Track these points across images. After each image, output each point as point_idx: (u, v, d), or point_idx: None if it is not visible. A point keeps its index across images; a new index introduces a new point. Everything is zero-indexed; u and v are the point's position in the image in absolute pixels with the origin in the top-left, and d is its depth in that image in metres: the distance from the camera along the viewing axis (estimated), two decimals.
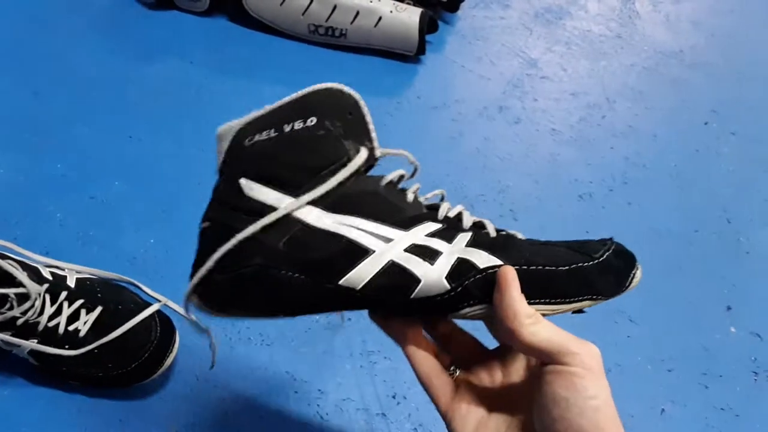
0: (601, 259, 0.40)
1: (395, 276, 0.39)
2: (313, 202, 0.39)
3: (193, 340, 0.64)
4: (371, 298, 0.40)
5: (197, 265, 0.41)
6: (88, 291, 0.60)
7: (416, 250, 0.39)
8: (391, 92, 0.91)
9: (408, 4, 0.95)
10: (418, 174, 0.45)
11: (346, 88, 0.40)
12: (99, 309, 0.59)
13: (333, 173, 0.39)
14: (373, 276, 0.39)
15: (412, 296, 0.39)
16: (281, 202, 0.39)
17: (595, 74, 0.99)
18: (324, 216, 0.39)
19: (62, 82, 0.85)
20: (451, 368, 0.44)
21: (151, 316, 0.60)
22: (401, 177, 0.43)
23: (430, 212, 0.42)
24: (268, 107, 0.40)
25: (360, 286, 0.39)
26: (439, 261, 0.39)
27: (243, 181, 0.40)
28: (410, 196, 0.42)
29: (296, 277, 0.39)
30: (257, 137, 0.40)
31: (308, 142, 0.39)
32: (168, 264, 0.69)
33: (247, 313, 0.41)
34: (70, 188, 0.74)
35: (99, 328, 0.58)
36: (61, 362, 0.57)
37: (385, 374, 0.63)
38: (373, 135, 0.41)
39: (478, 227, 0.42)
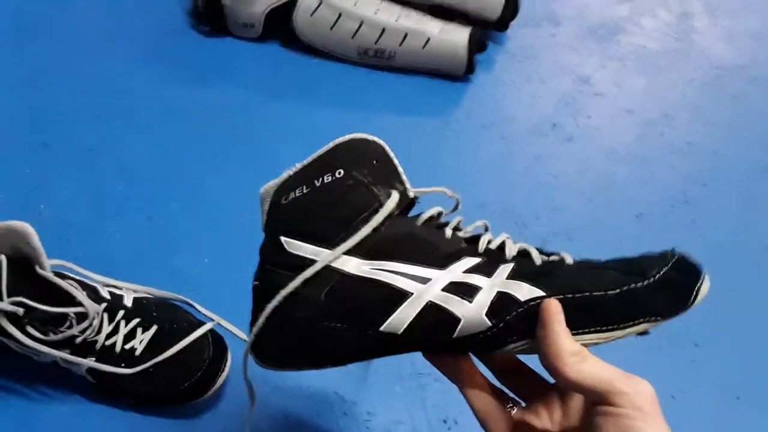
0: (656, 277, 0.38)
1: (435, 317, 0.38)
2: (350, 252, 0.40)
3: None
4: (415, 341, 0.40)
5: (252, 324, 0.42)
6: (144, 310, 0.61)
7: (454, 288, 0.39)
8: (440, 112, 0.91)
9: (457, 24, 0.95)
10: (460, 207, 0.44)
11: (370, 137, 0.41)
12: (154, 328, 0.60)
13: (366, 221, 0.40)
14: (413, 319, 0.39)
15: (455, 336, 0.39)
16: (319, 255, 0.40)
17: (651, 90, 0.97)
18: (362, 264, 0.40)
19: (121, 107, 0.88)
20: (509, 405, 0.43)
21: (204, 335, 0.61)
22: (440, 213, 0.43)
23: (470, 246, 0.41)
24: (299, 165, 0.41)
25: (401, 330, 0.39)
26: (478, 297, 0.38)
27: (283, 239, 0.41)
28: (448, 233, 0.41)
29: (339, 327, 0.40)
30: (292, 195, 0.41)
31: (339, 194, 0.40)
32: (222, 283, 0.70)
33: (299, 366, 0.43)
34: (129, 209, 0.76)
35: (154, 347, 0.59)
36: (117, 380, 0.58)
37: (435, 397, 0.62)
38: (403, 177, 0.41)
39: (522, 256, 0.41)
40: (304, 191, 0.41)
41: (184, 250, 0.72)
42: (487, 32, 1.01)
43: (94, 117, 0.86)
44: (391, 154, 0.41)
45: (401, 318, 0.39)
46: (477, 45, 0.93)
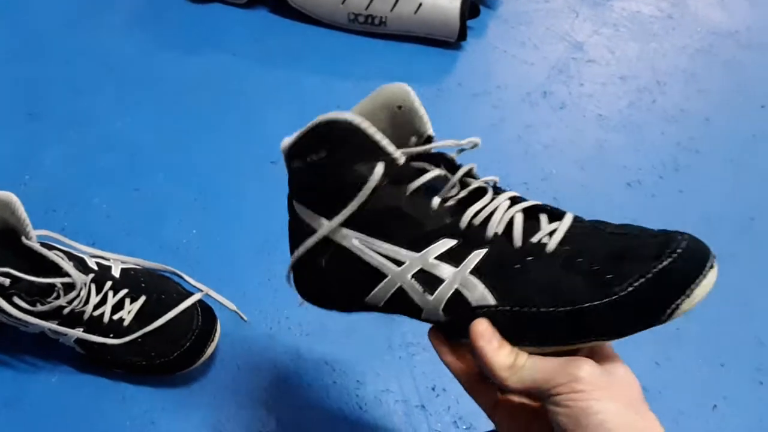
0: (621, 294, 0.34)
1: (404, 302, 0.41)
2: (345, 223, 0.41)
3: (235, 329, 0.64)
4: (392, 312, 0.43)
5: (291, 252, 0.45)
6: (133, 281, 0.61)
7: (421, 277, 0.40)
8: (432, 79, 0.89)
9: None
10: (465, 154, 0.43)
11: (342, 115, 0.39)
12: (143, 298, 0.60)
13: (351, 196, 0.40)
14: (387, 299, 0.41)
15: (422, 318, 0.41)
16: (318, 224, 0.42)
17: (644, 57, 0.95)
18: (354, 236, 0.41)
19: (106, 75, 0.87)
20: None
21: (193, 305, 0.61)
22: (436, 178, 0.40)
23: (453, 221, 0.39)
24: (295, 134, 0.41)
25: (380, 305, 0.42)
26: (439, 291, 0.39)
27: (294, 203, 0.44)
28: (435, 203, 0.40)
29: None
30: (295, 163, 0.42)
31: (326, 172, 0.41)
32: (210, 254, 0.70)
33: (333, 305, 0.45)
34: (115, 180, 0.75)
35: (142, 317, 0.59)
36: (106, 350, 0.58)
37: (424, 366, 0.63)
38: (387, 147, 0.40)
39: (504, 235, 0.39)
40: (301, 165, 0.42)
41: (172, 221, 0.72)
42: None
43: (79, 86, 0.85)
44: (369, 130, 0.39)
45: (378, 296, 0.41)
46: (469, 10, 0.91)
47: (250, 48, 0.92)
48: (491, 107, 0.87)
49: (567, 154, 0.82)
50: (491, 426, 0.55)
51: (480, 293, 0.38)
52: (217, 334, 0.61)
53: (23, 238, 0.54)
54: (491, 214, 0.40)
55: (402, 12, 0.90)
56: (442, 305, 0.39)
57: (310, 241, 0.42)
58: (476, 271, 0.38)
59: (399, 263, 0.40)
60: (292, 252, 0.44)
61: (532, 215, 0.40)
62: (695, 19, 1.02)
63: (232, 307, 0.65)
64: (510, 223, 0.39)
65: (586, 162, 0.81)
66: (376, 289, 0.41)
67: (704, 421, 0.61)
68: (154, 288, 0.61)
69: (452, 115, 0.85)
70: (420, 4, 0.90)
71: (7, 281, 0.52)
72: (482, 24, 0.97)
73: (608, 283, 0.35)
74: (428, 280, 0.39)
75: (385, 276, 0.40)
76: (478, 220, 0.40)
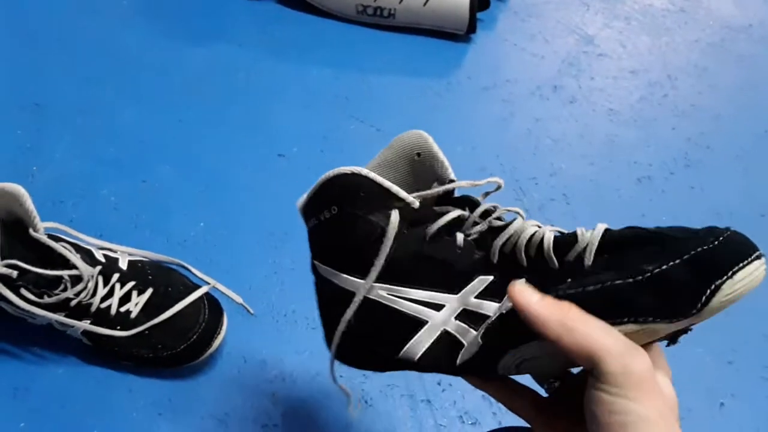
0: (648, 275, 0.33)
1: (446, 344, 0.39)
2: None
3: (241, 322, 0.64)
4: (425, 368, 0.40)
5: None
6: (140, 273, 0.61)
7: (466, 316, 0.38)
8: (441, 73, 0.89)
9: None
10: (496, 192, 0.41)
11: (349, 169, 0.39)
12: (150, 291, 0.60)
13: (375, 248, 0.39)
14: (428, 347, 0.39)
15: (458, 362, 0.39)
16: (354, 285, 0.40)
17: (656, 51, 0.95)
18: (381, 288, 0.39)
19: (113, 66, 0.86)
20: (551, 380, 0.43)
21: (200, 298, 0.61)
22: (458, 218, 0.40)
23: (483, 254, 0.39)
24: (305, 196, 0.41)
25: (416, 357, 0.39)
26: (485, 325, 0.38)
27: (315, 262, 0.42)
28: (460, 240, 0.39)
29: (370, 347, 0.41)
30: (311, 221, 0.42)
31: (341, 228, 0.40)
32: (217, 247, 0.69)
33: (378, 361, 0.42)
34: (123, 172, 0.75)
35: (149, 310, 0.59)
36: (113, 343, 0.58)
37: None
38: (399, 194, 0.39)
39: (539, 257, 0.37)
40: (315, 223, 0.41)
41: (179, 213, 0.72)
42: None
43: (85, 77, 0.85)
44: (377, 179, 0.39)
45: (416, 346, 0.39)
46: (479, 2, 0.91)
47: (257, 39, 0.92)
48: (501, 101, 0.86)
49: (577, 148, 0.82)
50: (497, 422, 0.55)
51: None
52: (224, 327, 0.61)
53: (31, 230, 0.54)
54: (516, 245, 0.38)
55: (411, 4, 0.90)
56: (481, 334, 0.37)
57: (353, 307, 0.40)
58: None
59: (438, 307, 0.39)
60: (327, 318, 0.43)
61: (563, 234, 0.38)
62: (708, 12, 1.01)
63: (239, 300, 0.65)
64: (540, 245, 0.37)
65: (595, 157, 0.81)
66: (414, 339, 0.39)
67: (711, 418, 0.61)
68: (161, 280, 0.61)
69: (461, 109, 0.85)
70: None
71: (14, 273, 0.52)
72: (492, 16, 0.97)
73: (643, 268, 0.33)
74: (473, 318, 0.38)
75: (424, 323, 0.39)
76: (508, 248, 0.38)
